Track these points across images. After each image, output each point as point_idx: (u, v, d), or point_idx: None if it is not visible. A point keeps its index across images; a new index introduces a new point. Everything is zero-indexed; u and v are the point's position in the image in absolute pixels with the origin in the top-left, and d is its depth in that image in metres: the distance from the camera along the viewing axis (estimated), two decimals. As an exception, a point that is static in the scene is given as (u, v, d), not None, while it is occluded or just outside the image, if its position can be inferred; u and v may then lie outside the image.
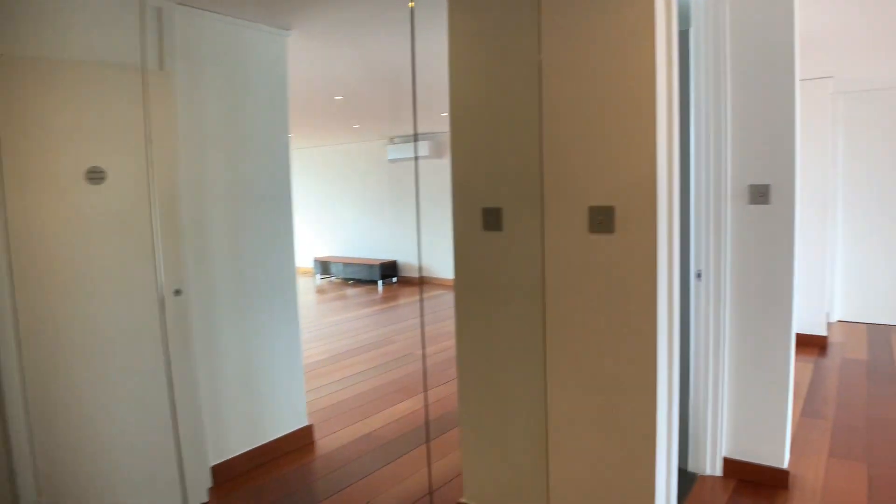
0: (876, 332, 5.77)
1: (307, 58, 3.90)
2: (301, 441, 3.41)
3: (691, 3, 2.75)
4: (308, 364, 5.01)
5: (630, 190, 1.93)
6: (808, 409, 3.76)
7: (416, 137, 9.46)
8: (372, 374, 4.79)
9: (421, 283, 9.70)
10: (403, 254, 9.79)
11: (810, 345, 5.29)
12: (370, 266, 9.28)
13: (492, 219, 2.26)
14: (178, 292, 2.64)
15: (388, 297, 8.46)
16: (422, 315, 7.37)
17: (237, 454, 3.07)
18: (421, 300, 8.42)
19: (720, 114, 2.71)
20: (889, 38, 3.77)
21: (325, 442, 3.50)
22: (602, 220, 1.99)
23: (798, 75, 2.68)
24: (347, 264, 9.55)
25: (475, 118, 2.28)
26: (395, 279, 9.73)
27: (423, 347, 5.65)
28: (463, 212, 2.34)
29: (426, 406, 4.09)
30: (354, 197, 10.36)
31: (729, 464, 2.89)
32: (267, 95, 3.19)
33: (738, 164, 2.76)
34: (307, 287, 9.54)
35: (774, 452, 2.83)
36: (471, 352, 2.40)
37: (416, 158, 9.42)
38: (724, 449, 2.92)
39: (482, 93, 2.25)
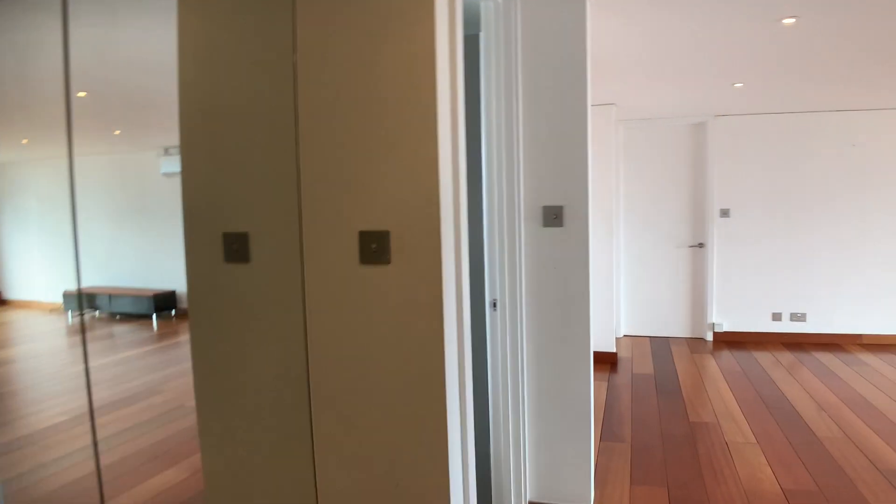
0: (658, 344, 6.12)
1: (37, 37, 3.02)
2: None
3: (482, 6, 2.48)
4: (37, 431, 3.94)
5: (409, 212, 1.53)
6: (607, 432, 3.70)
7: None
8: (127, 437, 3.89)
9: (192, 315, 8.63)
10: (184, 282, 8.65)
11: (603, 362, 5.42)
12: (142, 298, 8.04)
13: (236, 247, 1.72)
14: None
15: (165, 335, 7.30)
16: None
17: None
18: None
19: (512, 133, 2.47)
20: (662, 69, 3.91)
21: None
22: (376, 247, 1.56)
23: (590, 98, 2.55)
24: (115, 296, 8.19)
25: (214, 119, 1.73)
26: (173, 312, 8.56)
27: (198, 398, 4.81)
28: (198, 238, 1.77)
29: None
30: (119, 217, 9.00)
31: (533, 512, 2.63)
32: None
33: (531, 185, 2.55)
34: (52, 328, 7.98)
35: (580, 492, 2.63)
36: (216, 421, 1.82)
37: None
38: (530, 493, 2.66)
39: (223, 90, 1.72)
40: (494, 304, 2.51)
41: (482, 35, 2.48)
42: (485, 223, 2.46)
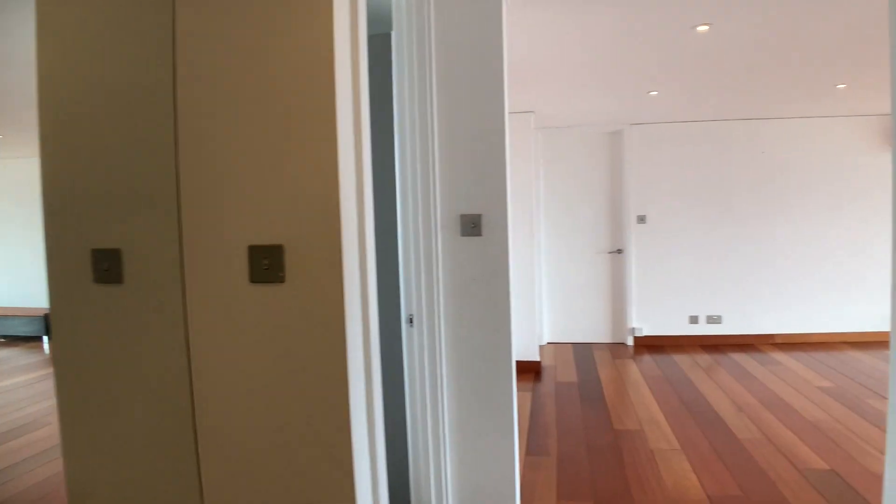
0: (581, 351, 6.14)
1: None
2: None
3: (392, 3, 2.34)
4: None
5: (306, 223, 1.35)
6: (533, 445, 3.60)
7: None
8: (6, 477, 3.46)
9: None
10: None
11: (527, 371, 5.36)
12: (32, 318, 7.38)
13: (106, 266, 1.48)
14: None
15: (63, 360, 6.73)
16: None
17: None
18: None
19: (427, 138, 2.33)
20: (580, 77, 3.90)
21: None
22: (268, 264, 1.37)
23: (508, 102, 2.45)
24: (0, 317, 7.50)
25: (79, 119, 1.50)
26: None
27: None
28: (61, 256, 1.52)
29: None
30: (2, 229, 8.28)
31: (458, 539, 2.48)
32: None
33: (448, 193, 2.42)
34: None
35: (505, 514, 2.50)
36: (85, 472, 1.56)
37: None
38: (453, 519, 2.50)
39: (89, 86, 1.48)
40: (411, 320, 2.35)
41: (394, 34, 2.34)
42: (399, 234, 2.30)
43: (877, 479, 3.03)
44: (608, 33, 3.05)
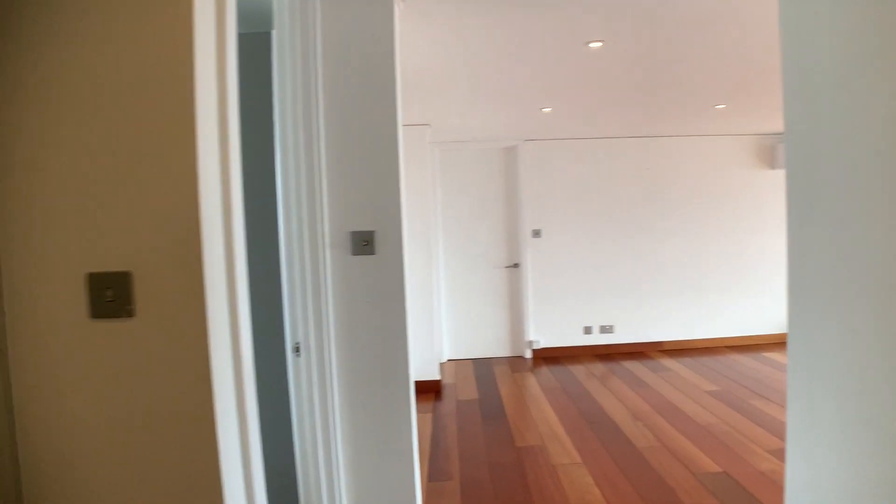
0: (481, 366, 6.08)
1: None
2: None
3: (274, 5, 2.14)
4: None
5: (159, 246, 1.13)
6: (435, 471, 3.45)
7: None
8: None
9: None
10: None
11: (427, 391, 5.22)
12: None
13: None
14: None
15: None
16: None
17: None
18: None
19: (313, 149, 2.14)
20: (476, 90, 3.84)
21: None
22: (112, 295, 1.13)
23: (401, 113, 2.30)
24: None
25: None
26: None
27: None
28: None
29: None
30: None
31: (356, 585, 2.27)
32: None
33: (337, 209, 2.24)
34: None
35: (408, 551, 2.33)
36: None
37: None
38: (350, 562, 2.30)
39: None
40: (297, 349, 2.14)
41: (274, 34, 2.14)
42: (282, 254, 2.09)
43: (765, 478, 3.13)
44: (501, 48, 2.99)
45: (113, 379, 1.14)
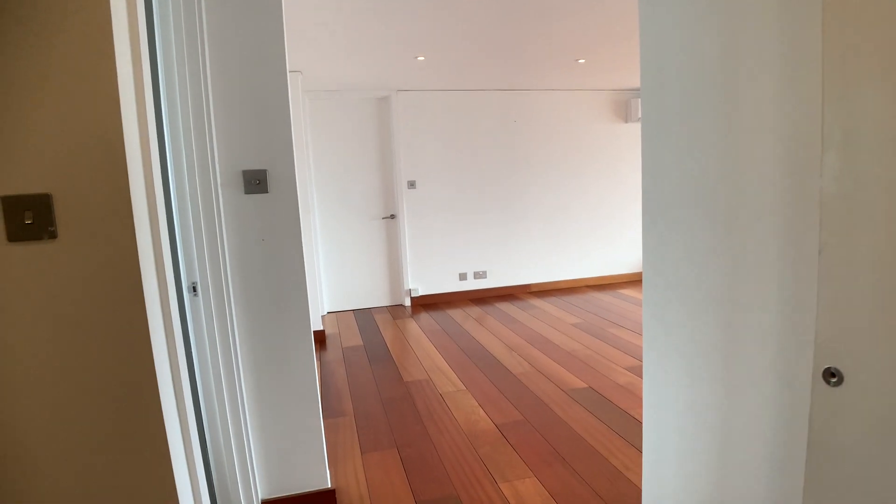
0: (362, 316, 6.22)
1: None
2: None
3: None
4: None
5: (82, 166, 1.15)
6: (328, 409, 3.59)
7: None
8: None
9: None
10: None
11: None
12: None
13: None
14: None
15: None
16: None
17: None
18: None
19: (199, 83, 2.12)
20: (347, 36, 3.87)
21: None
22: (32, 218, 1.14)
23: (289, 50, 2.31)
24: None
25: None
26: None
27: None
28: None
29: None
30: None
31: (266, 511, 2.38)
32: None
33: (227, 147, 2.24)
34: None
35: (315, 475, 2.46)
36: None
37: None
38: (261, 491, 2.39)
39: None
40: (195, 288, 2.16)
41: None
42: (173, 193, 2.08)
43: (623, 389, 3.59)
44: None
45: (35, 304, 1.16)
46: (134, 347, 1.19)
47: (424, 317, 6.02)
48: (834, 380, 1.06)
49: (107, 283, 1.17)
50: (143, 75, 1.26)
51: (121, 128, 1.14)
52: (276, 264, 2.33)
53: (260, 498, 2.37)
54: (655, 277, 1.74)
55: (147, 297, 1.21)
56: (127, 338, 1.19)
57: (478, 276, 6.79)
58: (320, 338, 5.35)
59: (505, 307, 6.20)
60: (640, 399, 3.43)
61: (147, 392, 1.21)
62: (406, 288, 6.58)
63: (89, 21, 1.12)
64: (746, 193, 1.34)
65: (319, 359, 4.77)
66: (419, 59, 4.73)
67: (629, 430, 3.04)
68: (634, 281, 7.24)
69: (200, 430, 2.22)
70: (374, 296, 6.63)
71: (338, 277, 6.49)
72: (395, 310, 6.45)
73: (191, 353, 2.18)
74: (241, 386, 2.28)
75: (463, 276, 6.75)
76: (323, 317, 6.26)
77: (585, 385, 3.72)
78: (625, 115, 7.02)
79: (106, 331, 1.18)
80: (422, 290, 6.65)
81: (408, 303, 6.61)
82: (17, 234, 1.14)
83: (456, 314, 6.03)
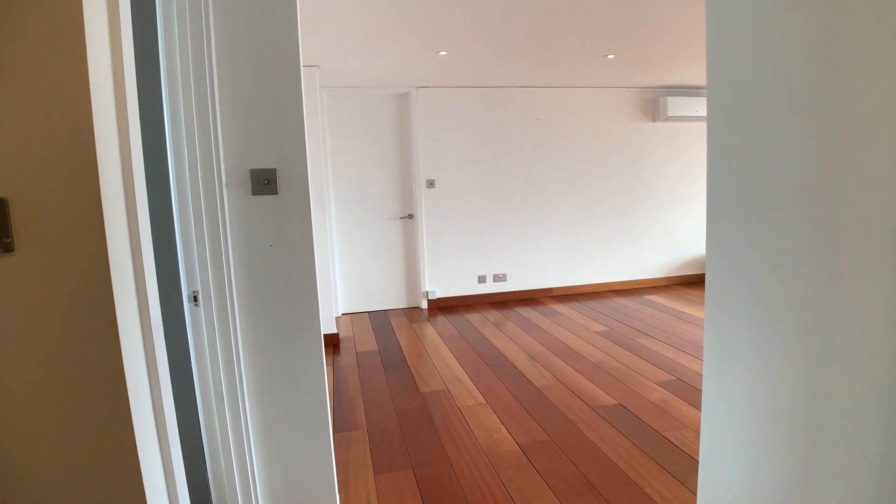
0: (377, 319, 6.03)
1: None
2: None
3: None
4: None
5: (44, 166, 0.95)
6: (340, 422, 3.39)
7: None
8: None
9: None
10: None
11: (326, 345, 5.10)
12: None
13: None
14: None
15: None
16: None
17: None
18: None
19: (205, 76, 1.93)
20: (368, 29, 3.66)
21: None
22: (-17, 223, 0.95)
23: (304, 49, 2.12)
24: None
25: None
26: None
27: None
28: None
29: None
30: None
31: (270, 539, 2.19)
32: None
33: (233, 144, 2.05)
34: None
35: (323, 496, 2.27)
36: None
37: None
38: (262, 517, 2.21)
39: None
40: (195, 297, 1.97)
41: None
42: (173, 194, 1.89)
43: (655, 407, 3.36)
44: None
45: (-11, 325, 0.97)
46: (103, 374, 1.00)
47: (441, 320, 5.81)
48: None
49: (73, 301, 0.98)
50: (124, 57, 1.06)
51: (90, 119, 0.95)
52: (285, 272, 2.13)
53: (263, 526, 2.18)
54: (725, 273, 1.52)
55: (121, 316, 1.01)
56: (96, 363, 1.00)
57: (497, 278, 6.57)
58: (334, 341, 5.17)
59: (525, 312, 5.97)
60: (675, 419, 3.19)
61: (118, 427, 1.02)
62: (423, 290, 6.38)
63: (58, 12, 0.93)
64: (848, 191, 1.12)
65: (332, 364, 4.58)
66: (441, 53, 4.52)
67: (664, 454, 2.81)
68: (661, 287, 6.97)
69: (199, 454, 2.04)
70: (391, 298, 6.44)
71: (353, 278, 6.30)
72: (411, 312, 6.25)
73: (190, 367, 2.00)
74: (244, 405, 2.09)
75: (482, 279, 6.54)
76: (337, 318, 6.08)
77: (615, 402, 3.48)
78: (653, 113, 6.75)
79: (71, 357, 0.99)
80: (439, 293, 6.44)
81: (424, 305, 6.41)
82: (-33, 245, 0.95)
83: (474, 318, 5.81)
